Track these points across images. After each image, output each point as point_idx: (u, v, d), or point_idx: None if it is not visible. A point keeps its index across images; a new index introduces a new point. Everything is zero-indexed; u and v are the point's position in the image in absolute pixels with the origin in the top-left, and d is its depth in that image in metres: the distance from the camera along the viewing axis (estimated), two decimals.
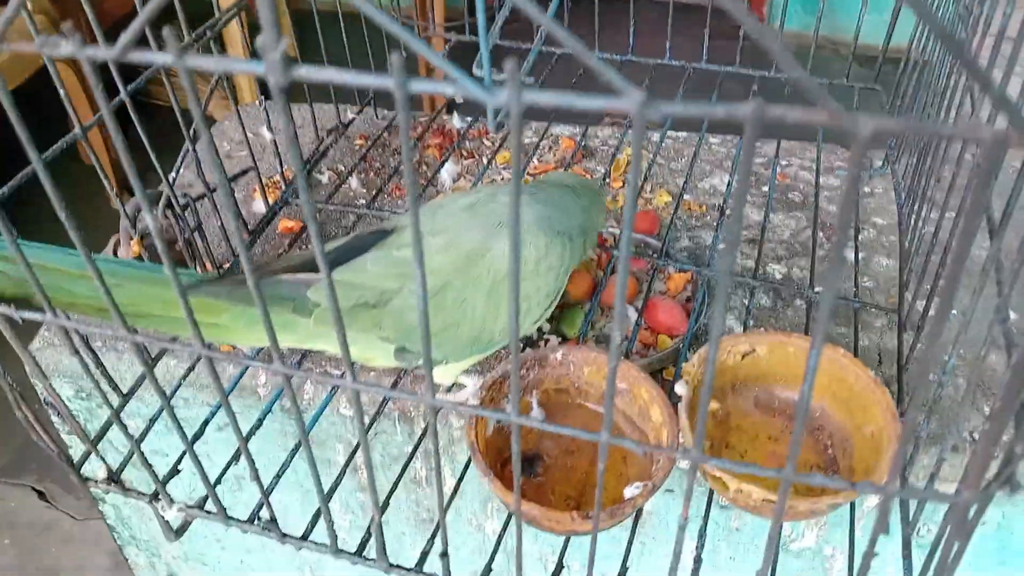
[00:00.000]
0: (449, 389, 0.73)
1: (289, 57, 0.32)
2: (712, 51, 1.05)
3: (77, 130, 0.65)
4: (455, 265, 0.62)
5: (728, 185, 0.92)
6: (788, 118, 0.28)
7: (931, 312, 0.72)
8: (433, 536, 0.63)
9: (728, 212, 0.97)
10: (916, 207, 0.78)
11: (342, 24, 0.95)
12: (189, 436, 0.70)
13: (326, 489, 0.68)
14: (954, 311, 0.81)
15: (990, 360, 0.78)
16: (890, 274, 0.88)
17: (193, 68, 0.33)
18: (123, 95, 0.71)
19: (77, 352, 0.60)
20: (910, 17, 0.94)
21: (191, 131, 0.77)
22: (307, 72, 0.32)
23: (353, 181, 1.00)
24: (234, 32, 2.04)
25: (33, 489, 1.73)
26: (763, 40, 0.28)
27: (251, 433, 0.70)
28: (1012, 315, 0.79)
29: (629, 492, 0.57)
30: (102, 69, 0.39)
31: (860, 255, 0.90)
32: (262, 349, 0.76)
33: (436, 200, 0.70)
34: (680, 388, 0.63)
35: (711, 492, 0.66)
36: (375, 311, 0.61)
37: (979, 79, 0.26)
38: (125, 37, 0.33)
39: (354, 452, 0.75)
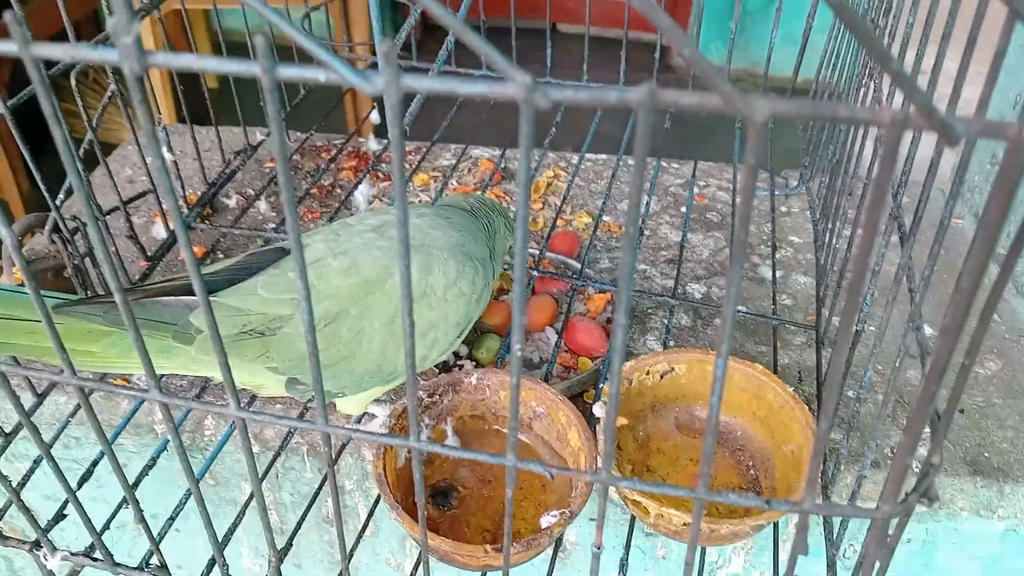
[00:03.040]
0: (359, 420, 0.69)
1: (141, 47, 0.29)
2: (629, 83, 1.06)
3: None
4: (353, 291, 0.58)
5: (647, 206, 0.91)
6: (681, 101, 0.26)
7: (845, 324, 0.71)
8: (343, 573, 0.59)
9: (647, 232, 0.96)
10: (830, 223, 0.78)
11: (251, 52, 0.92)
12: (80, 477, 0.65)
13: (228, 529, 0.63)
14: (872, 327, 0.82)
15: (908, 376, 0.78)
16: (808, 292, 0.88)
17: (39, 57, 0.29)
18: (3, 109, 0.66)
19: None
20: (818, 50, 0.96)
21: (79, 150, 0.73)
22: (164, 59, 0.29)
23: (262, 204, 0.96)
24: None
25: None
26: (656, 20, 0.26)
27: (141, 476, 0.65)
28: (928, 330, 0.80)
29: (546, 521, 0.54)
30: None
31: (778, 273, 0.90)
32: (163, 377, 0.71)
33: (348, 218, 0.67)
34: (599, 410, 0.61)
35: (633, 519, 0.64)
36: (263, 340, 0.57)
37: (880, 58, 0.24)
38: None
39: (256, 491, 0.70)
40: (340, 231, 0.63)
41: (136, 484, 0.64)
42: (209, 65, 0.29)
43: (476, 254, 0.63)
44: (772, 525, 0.64)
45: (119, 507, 0.65)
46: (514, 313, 0.33)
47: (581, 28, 1.02)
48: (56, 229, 0.73)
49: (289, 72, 0.29)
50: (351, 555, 0.62)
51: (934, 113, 0.25)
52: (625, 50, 1.03)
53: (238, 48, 0.93)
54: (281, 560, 0.55)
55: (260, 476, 0.72)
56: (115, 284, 0.39)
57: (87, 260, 0.76)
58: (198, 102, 0.90)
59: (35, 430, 0.50)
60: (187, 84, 0.87)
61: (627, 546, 0.60)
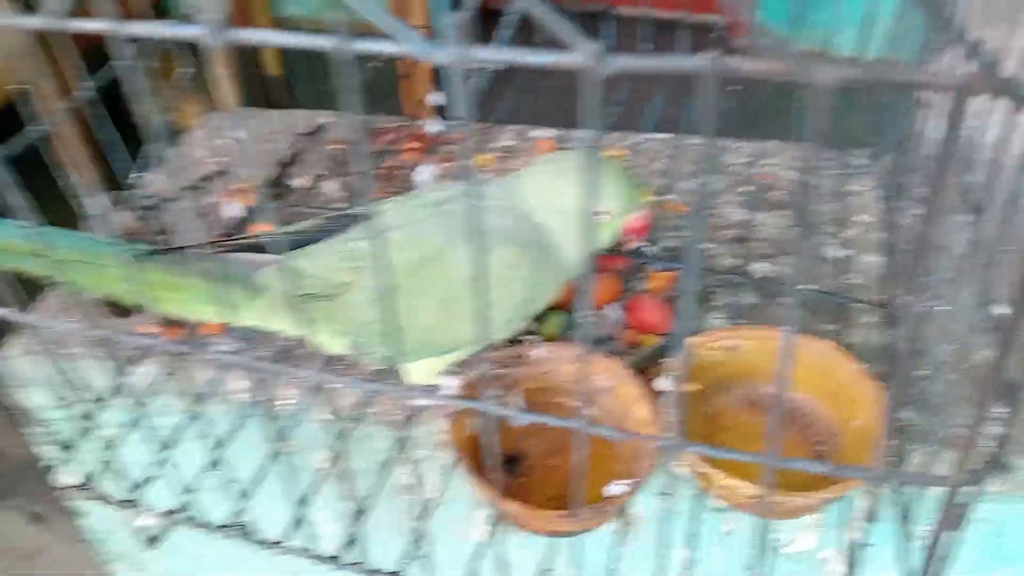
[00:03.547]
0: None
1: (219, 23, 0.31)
2: None
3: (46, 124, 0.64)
4: (409, 266, 0.59)
5: (702, 184, 0.91)
6: (744, 68, 0.27)
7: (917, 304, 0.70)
8: (416, 539, 0.61)
9: (710, 211, 0.96)
10: (899, 201, 0.77)
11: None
12: (166, 441, 0.69)
13: (305, 493, 0.66)
14: (944, 305, 0.80)
15: (983, 354, 0.77)
16: (877, 271, 0.87)
17: (128, 35, 0.32)
18: (89, 89, 0.70)
19: (49, 353, 0.59)
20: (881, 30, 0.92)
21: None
22: (245, 34, 0.31)
23: (327, 184, 0.99)
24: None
25: (24, 513, 1.69)
26: None
27: (226, 440, 0.68)
28: (999, 309, 0.78)
29: (613, 490, 0.55)
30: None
31: (846, 252, 0.89)
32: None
33: (415, 191, 0.68)
34: (664, 384, 0.61)
35: (701, 493, 0.64)
36: (326, 304, 0.59)
37: (942, 22, 0.24)
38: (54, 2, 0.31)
39: (336, 457, 0.73)
40: (405, 203, 0.64)
41: (223, 444, 0.67)
42: (289, 40, 0.31)
43: (532, 238, 0.63)
44: (841, 501, 0.64)
45: (205, 470, 0.68)
46: (582, 283, 0.34)
47: (639, 11, 1.02)
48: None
49: (362, 45, 0.30)
50: (428, 512, 0.64)
51: (996, 74, 0.25)
52: (688, 31, 1.02)
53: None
54: (358, 524, 0.58)
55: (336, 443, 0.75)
56: (192, 238, 0.42)
57: (164, 237, 0.79)
58: (258, 88, 0.93)
59: (129, 393, 0.53)
60: (250, 70, 0.90)
61: (694, 519, 0.61)
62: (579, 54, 0.28)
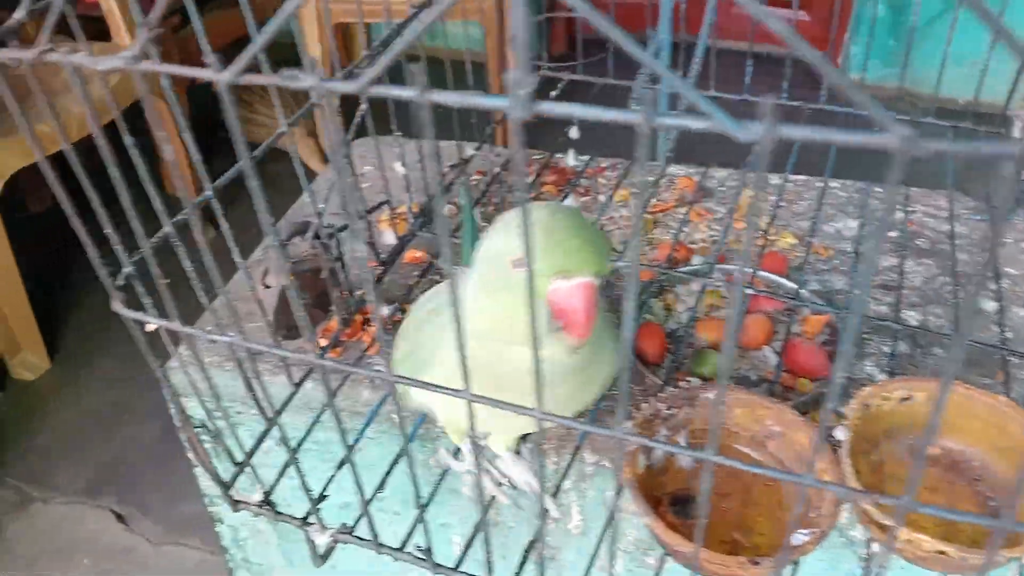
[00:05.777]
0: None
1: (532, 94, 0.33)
2: (791, 98, 1.01)
3: (283, 126, 0.67)
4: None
5: (861, 227, 0.91)
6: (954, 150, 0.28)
7: None
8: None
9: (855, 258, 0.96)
10: None
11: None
12: (340, 459, 0.72)
13: (480, 520, 0.68)
14: None
15: None
16: None
17: (435, 103, 0.34)
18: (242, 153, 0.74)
19: (240, 365, 0.63)
20: (995, 72, 0.87)
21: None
22: (549, 107, 0.33)
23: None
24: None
25: (112, 512, 1.74)
26: (834, 79, 0.28)
27: (393, 464, 0.71)
28: None
29: (797, 539, 0.56)
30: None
31: (999, 304, 0.87)
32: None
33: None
34: (841, 433, 0.62)
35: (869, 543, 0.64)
36: None
37: None
38: (371, 72, 0.34)
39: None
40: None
41: (389, 471, 0.70)
42: (591, 113, 0.33)
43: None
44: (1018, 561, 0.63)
45: (377, 489, 0.71)
46: (727, 329, 0.35)
47: (731, 44, 1.03)
48: (316, 235, 0.81)
49: (669, 121, 0.32)
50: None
51: None
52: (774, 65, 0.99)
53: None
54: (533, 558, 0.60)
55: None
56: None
57: (339, 263, 0.83)
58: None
59: (338, 415, 0.56)
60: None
61: (866, 570, 0.61)
62: (892, 136, 0.29)
